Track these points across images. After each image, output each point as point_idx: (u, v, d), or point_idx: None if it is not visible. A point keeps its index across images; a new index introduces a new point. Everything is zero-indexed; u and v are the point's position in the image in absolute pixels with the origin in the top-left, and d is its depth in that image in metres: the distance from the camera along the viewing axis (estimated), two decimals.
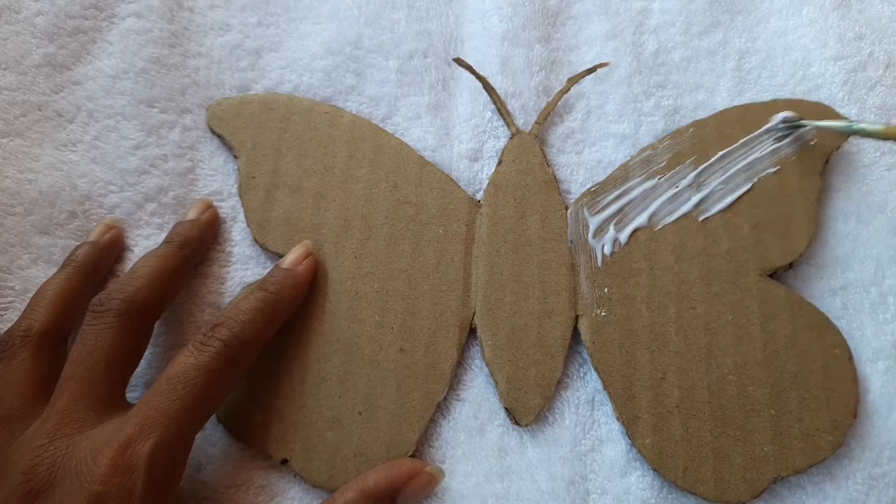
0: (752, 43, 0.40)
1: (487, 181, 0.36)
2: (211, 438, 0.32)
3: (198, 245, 0.33)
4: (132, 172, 0.35)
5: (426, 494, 0.30)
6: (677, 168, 0.35)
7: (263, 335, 0.30)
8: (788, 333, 0.33)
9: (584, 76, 0.38)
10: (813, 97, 0.38)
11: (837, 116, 0.36)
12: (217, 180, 0.36)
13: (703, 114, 0.38)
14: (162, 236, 0.34)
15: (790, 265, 0.34)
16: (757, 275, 0.34)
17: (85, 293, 0.31)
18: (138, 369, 0.31)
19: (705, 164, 0.35)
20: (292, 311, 0.32)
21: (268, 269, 0.34)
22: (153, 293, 0.29)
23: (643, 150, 0.36)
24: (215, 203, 0.35)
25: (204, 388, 0.27)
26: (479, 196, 0.36)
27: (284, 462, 0.31)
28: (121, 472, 0.24)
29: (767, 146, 0.35)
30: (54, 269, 0.33)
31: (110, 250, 0.33)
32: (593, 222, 0.35)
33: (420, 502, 0.30)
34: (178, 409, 0.26)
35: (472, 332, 0.33)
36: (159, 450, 0.25)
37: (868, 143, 0.37)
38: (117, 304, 0.28)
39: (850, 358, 0.33)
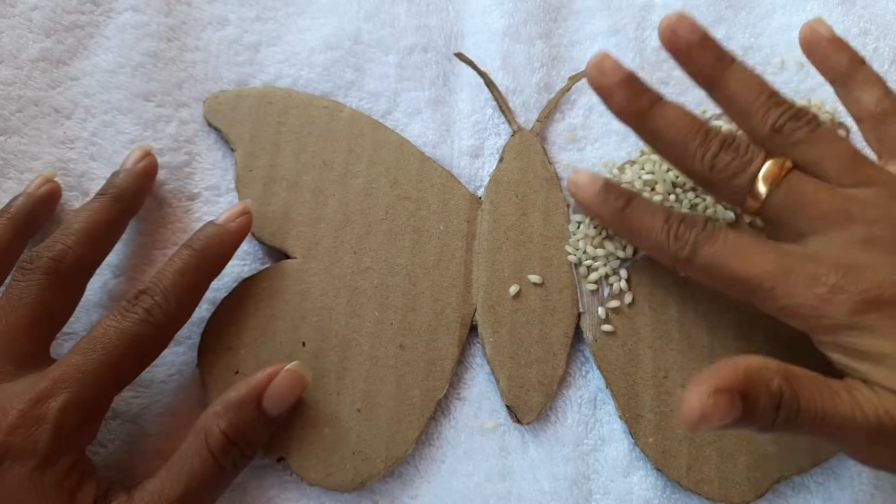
0: (756, 39, 0.39)
1: (488, 178, 0.36)
2: None
3: (133, 197, 0.32)
4: None
5: (293, 392, 0.29)
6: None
7: (188, 298, 0.29)
8: (790, 334, 0.32)
9: (585, 74, 0.38)
10: (816, 94, 0.38)
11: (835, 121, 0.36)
12: (215, 175, 0.36)
13: (702, 110, 0.37)
14: (158, 231, 0.34)
15: None
16: None
17: (16, 245, 0.31)
18: None
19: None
20: (219, 269, 0.30)
21: (266, 265, 0.34)
22: (84, 250, 0.29)
23: (642, 151, 0.36)
24: (212, 199, 0.35)
25: (124, 351, 0.27)
26: (479, 193, 0.36)
27: (280, 460, 0.30)
28: (28, 424, 0.25)
29: None
30: None
31: (45, 203, 0.32)
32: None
33: (288, 401, 0.29)
34: (95, 368, 0.26)
35: (473, 329, 0.33)
36: (71, 406, 0.25)
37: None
38: (45, 261, 0.28)
39: None
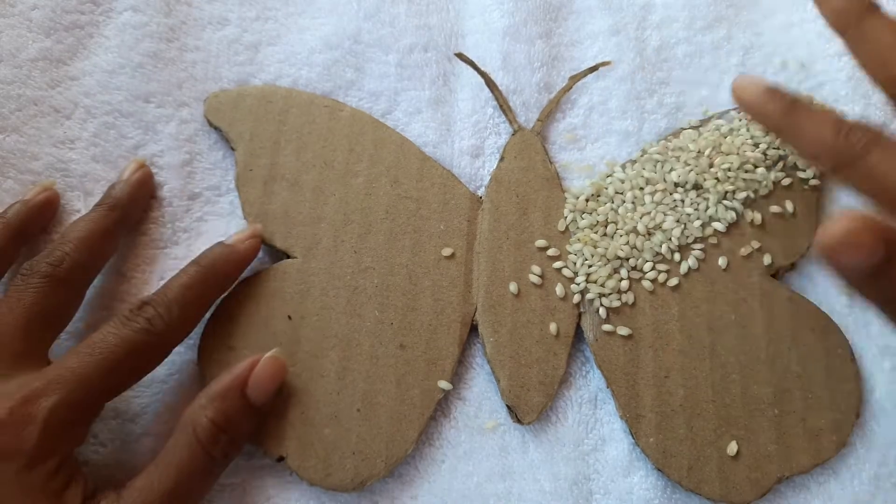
0: (757, 38, 0.39)
1: (489, 177, 0.36)
2: None
3: (128, 206, 0.33)
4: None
5: (275, 378, 0.29)
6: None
7: (191, 312, 0.30)
8: (791, 333, 0.32)
9: (586, 74, 0.38)
10: (817, 94, 0.38)
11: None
12: (215, 175, 0.36)
13: (704, 110, 0.37)
14: (158, 231, 0.34)
15: (792, 265, 0.34)
16: (759, 274, 0.33)
17: (11, 251, 0.31)
18: None
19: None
20: (225, 287, 0.31)
21: (266, 265, 0.34)
22: (81, 256, 0.30)
23: (644, 150, 0.36)
24: (213, 198, 0.35)
25: (121, 357, 0.27)
26: (480, 192, 0.36)
27: (280, 459, 0.30)
28: (17, 423, 0.25)
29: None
30: None
31: (42, 211, 0.33)
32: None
33: (271, 388, 0.29)
34: (90, 372, 0.26)
35: (474, 328, 0.33)
36: (62, 407, 0.25)
37: None
38: (44, 266, 0.29)
39: (853, 358, 0.32)
